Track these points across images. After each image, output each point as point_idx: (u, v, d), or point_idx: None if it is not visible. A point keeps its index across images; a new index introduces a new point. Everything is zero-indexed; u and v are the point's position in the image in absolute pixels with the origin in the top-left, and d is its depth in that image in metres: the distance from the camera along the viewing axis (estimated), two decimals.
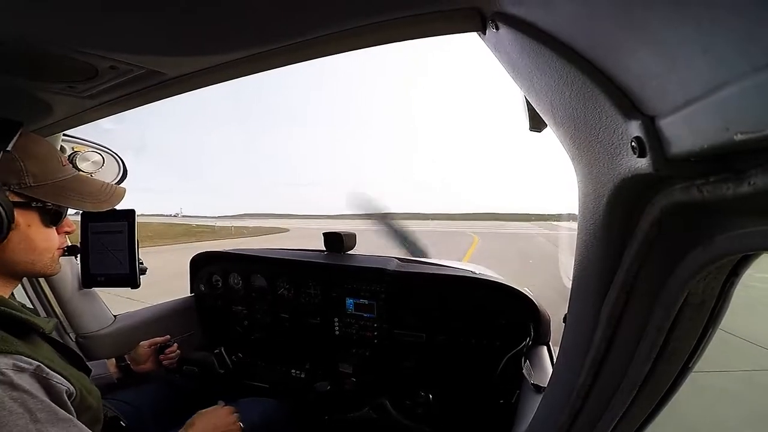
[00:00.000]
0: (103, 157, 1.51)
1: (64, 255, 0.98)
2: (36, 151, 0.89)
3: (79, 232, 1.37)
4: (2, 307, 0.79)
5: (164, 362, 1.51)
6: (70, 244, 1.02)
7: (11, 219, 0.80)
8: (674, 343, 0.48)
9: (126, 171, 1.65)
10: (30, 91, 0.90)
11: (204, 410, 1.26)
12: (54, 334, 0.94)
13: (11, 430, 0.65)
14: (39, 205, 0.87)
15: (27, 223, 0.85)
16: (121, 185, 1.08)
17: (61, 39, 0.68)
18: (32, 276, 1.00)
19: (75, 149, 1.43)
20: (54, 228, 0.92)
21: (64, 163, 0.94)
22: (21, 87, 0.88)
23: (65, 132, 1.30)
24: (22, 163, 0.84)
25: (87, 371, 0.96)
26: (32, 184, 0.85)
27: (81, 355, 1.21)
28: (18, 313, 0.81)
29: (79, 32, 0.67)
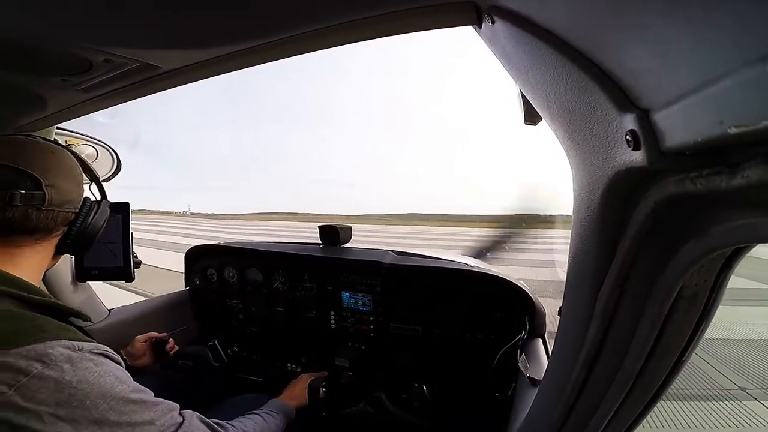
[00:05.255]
0: (96, 150, 1.51)
1: None
2: None
3: None
4: (52, 300, 0.81)
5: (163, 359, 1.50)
6: None
7: None
8: (668, 336, 0.49)
9: (120, 164, 1.64)
10: (23, 84, 0.89)
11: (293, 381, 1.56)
12: None
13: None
14: None
15: None
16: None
17: (55, 32, 0.68)
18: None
19: (68, 142, 1.43)
20: None
21: None
22: (14, 80, 0.87)
23: (58, 125, 1.30)
24: None
25: None
26: None
27: None
28: (62, 304, 0.83)
29: (73, 26, 0.66)
